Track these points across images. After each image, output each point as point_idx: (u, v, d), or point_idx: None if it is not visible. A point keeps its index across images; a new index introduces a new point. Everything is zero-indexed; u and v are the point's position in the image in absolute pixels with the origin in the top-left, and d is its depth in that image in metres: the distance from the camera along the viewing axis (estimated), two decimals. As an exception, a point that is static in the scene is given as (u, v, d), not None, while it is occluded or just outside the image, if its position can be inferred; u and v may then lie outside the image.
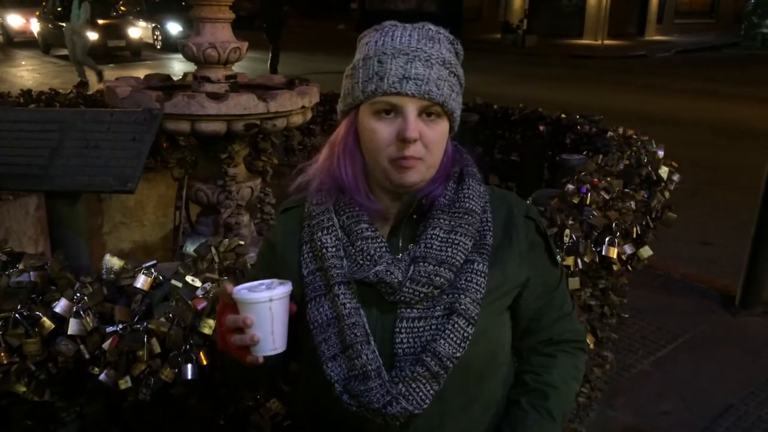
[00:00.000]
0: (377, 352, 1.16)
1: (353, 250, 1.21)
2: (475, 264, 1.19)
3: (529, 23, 22.86)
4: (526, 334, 1.35)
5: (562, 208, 2.55)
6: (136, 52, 18.39)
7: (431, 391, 1.16)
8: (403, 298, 1.17)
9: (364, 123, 1.18)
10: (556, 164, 4.08)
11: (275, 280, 1.14)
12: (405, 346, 1.16)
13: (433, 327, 1.16)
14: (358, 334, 1.16)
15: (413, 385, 1.14)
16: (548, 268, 1.32)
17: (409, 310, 1.17)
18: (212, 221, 4.13)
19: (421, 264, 1.17)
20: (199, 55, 3.70)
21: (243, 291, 1.10)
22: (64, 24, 17.50)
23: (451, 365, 1.15)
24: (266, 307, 1.08)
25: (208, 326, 1.75)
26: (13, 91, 5.83)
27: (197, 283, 1.85)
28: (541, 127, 4.77)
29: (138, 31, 18.77)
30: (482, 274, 1.19)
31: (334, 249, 1.21)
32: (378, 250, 1.20)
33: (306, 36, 24.67)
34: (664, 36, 26.42)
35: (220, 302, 1.17)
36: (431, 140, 1.16)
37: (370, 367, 1.15)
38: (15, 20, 20.57)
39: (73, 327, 1.67)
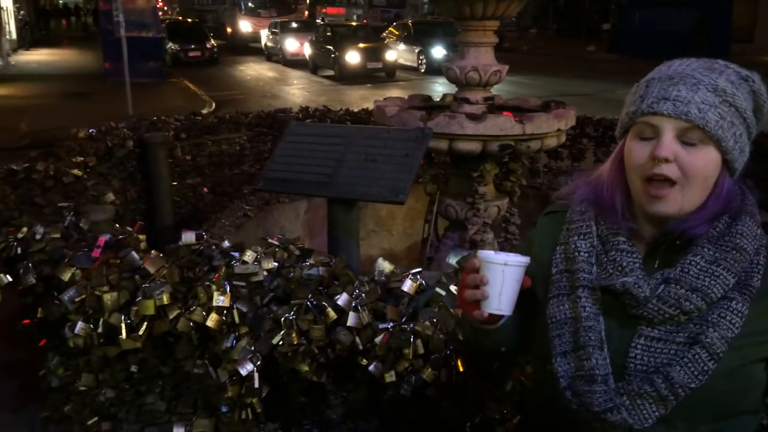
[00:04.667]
0: (608, 360, 1.19)
1: (605, 259, 1.24)
2: (733, 302, 1.15)
3: (814, 43, 20.07)
4: None
5: None
6: (391, 74, 19.72)
7: (656, 413, 1.16)
8: (646, 314, 1.18)
9: (627, 144, 1.22)
10: None
11: (518, 255, 1.25)
12: (638, 362, 1.18)
13: (672, 352, 1.16)
14: (592, 337, 1.20)
15: (638, 401, 1.16)
16: None
17: (649, 329, 1.18)
18: (458, 236, 4.29)
19: (673, 285, 1.16)
20: (462, 77, 3.89)
21: (486, 252, 1.24)
22: (331, 48, 19.48)
23: (683, 393, 1.14)
24: (500, 269, 1.21)
25: (468, 335, 1.85)
26: (288, 106, 6.63)
27: (459, 293, 1.96)
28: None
29: (394, 54, 20.10)
30: (739, 314, 1.14)
31: (586, 254, 1.25)
32: (631, 263, 1.21)
33: (552, 58, 24.38)
34: None
35: (469, 262, 1.28)
36: (689, 165, 1.14)
37: (597, 372, 1.19)
38: (291, 44, 23.26)
39: (351, 319, 1.88)
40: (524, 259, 1.23)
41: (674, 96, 1.14)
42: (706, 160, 1.15)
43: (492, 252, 1.24)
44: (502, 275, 1.21)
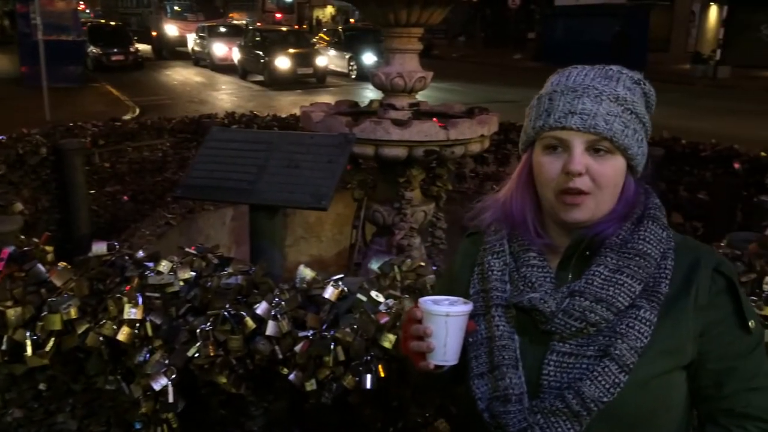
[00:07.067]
0: (523, 379, 1.18)
1: (517, 276, 1.24)
2: (641, 311, 1.14)
3: (723, 53, 21.18)
4: (704, 399, 1.22)
5: (762, 254, 2.36)
6: (321, 79, 19.65)
7: (571, 430, 1.14)
8: (554, 329, 1.17)
9: (535, 158, 1.21)
10: (753, 206, 3.77)
11: (460, 299, 1.20)
12: (551, 378, 1.16)
13: (583, 366, 1.14)
14: (506, 357, 1.19)
15: (552, 419, 1.14)
16: (733, 331, 1.17)
17: (561, 344, 1.17)
18: (386, 242, 4.30)
19: (578, 298, 1.16)
20: (387, 83, 3.90)
21: (428, 302, 1.18)
22: (260, 53, 19.24)
23: (595, 408, 1.12)
24: (442, 320, 1.16)
25: (389, 341, 1.84)
26: (214, 112, 6.50)
27: (380, 298, 1.95)
28: (736, 165, 4.43)
29: (325, 59, 20.05)
30: (647, 323, 1.14)
31: (499, 273, 1.25)
32: (540, 278, 1.21)
33: (480, 65, 24.87)
34: None
35: (410, 311, 1.23)
36: (600, 175, 1.15)
37: (512, 391, 1.17)
38: (219, 49, 22.88)
39: (270, 328, 1.84)
40: (466, 308, 1.18)
41: (580, 109, 1.14)
42: (615, 168, 1.17)
43: (432, 299, 1.19)
44: (446, 326, 1.16)
